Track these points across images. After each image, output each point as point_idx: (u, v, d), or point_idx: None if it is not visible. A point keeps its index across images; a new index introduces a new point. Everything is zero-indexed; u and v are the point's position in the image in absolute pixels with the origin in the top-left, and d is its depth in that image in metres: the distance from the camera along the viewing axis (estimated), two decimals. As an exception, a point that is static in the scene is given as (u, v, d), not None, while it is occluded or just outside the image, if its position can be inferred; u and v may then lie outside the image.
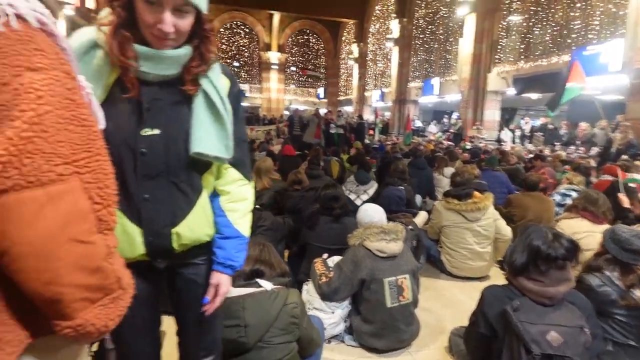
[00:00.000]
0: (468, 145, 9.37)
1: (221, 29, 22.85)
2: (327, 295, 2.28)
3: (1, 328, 0.65)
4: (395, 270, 2.27)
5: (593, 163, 6.02)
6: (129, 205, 1.00)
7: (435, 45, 15.17)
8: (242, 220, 1.15)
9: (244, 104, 22.47)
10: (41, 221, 0.61)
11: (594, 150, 7.77)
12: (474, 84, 11.64)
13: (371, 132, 13.44)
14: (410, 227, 3.13)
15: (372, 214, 2.53)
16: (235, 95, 1.14)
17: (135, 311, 1.03)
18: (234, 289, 1.63)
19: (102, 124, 0.89)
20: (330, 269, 2.38)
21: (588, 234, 2.62)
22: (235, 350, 1.57)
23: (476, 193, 3.44)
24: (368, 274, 2.23)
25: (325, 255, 2.59)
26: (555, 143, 9.42)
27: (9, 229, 0.60)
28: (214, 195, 1.14)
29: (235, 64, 23.55)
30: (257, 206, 3.08)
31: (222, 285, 1.15)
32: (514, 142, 10.92)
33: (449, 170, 5.43)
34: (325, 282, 2.29)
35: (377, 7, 19.69)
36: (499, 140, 10.65)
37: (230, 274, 1.16)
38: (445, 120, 15.41)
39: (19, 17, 0.63)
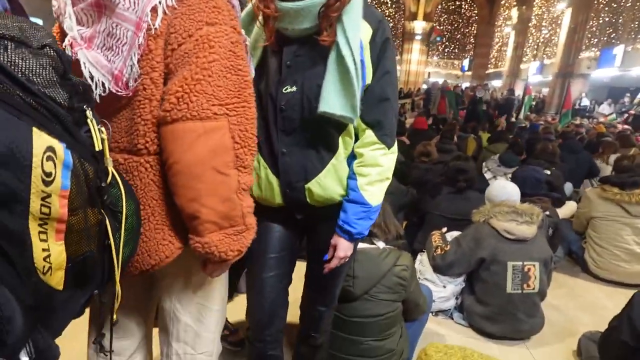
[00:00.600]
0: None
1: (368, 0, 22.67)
2: (440, 268, 2.22)
3: (170, 232, 0.87)
4: (522, 255, 2.06)
5: None
6: (271, 156, 1.07)
7: (628, 4, 12.14)
8: (370, 187, 1.07)
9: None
10: (195, 148, 0.77)
11: None
12: (678, 53, 9.05)
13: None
14: (547, 213, 2.75)
15: (511, 191, 2.30)
16: (380, 45, 1.01)
17: (269, 246, 1.19)
18: None
19: (252, 73, 1.04)
20: (448, 242, 2.30)
21: None
22: (343, 298, 1.69)
23: None
24: (490, 253, 2.08)
25: (444, 229, 2.51)
26: None
27: (175, 149, 0.78)
28: (353, 157, 1.09)
29: (378, 34, 23.23)
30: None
31: (339, 249, 1.11)
32: None
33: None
34: (440, 254, 2.23)
35: (550, -39, 16.70)
36: None
37: (347, 240, 1.11)
38: (625, 99, 12.48)
39: None
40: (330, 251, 1.14)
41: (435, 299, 2.22)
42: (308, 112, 1.01)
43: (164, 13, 0.76)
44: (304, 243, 1.29)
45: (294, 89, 1.03)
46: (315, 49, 0.99)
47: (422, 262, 2.40)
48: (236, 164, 0.82)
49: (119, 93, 0.78)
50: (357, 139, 1.09)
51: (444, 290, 2.26)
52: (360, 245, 1.71)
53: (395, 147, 1.11)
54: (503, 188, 2.30)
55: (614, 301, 2.54)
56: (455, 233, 2.39)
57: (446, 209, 2.65)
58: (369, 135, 1.06)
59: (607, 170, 4.44)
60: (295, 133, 1.05)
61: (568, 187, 4.41)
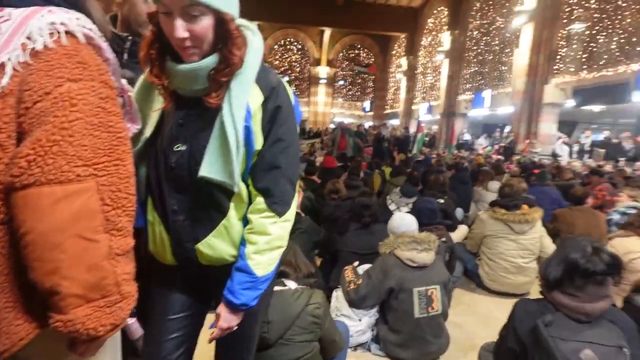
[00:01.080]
0: (522, 159, 8.93)
1: (275, 46, 23.82)
2: (354, 302, 2.28)
3: (24, 311, 0.74)
4: (425, 281, 2.23)
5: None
6: (164, 213, 1.04)
7: (490, 57, 14.69)
8: (257, 256, 1.01)
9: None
10: (54, 215, 0.68)
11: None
12: (528, 96, 11.09)
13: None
14: (443, 239, 3.05)
15: (409, 222, 2.49)
16: (272, 112, 1.00)
17: (168, 307, 1.10)
18: None
19: (139, 124, 0.99)
20: (360, 276, 2.39)
21: (645, 255, 2.42)
22: (258, 346, 1.63)
23: (525, 206, 3.30)
24: (397, 283, 2.21)
25: (356, 263, 2.60)
26: (620, 159, 8.66)
27: (26, 218, 0.68)
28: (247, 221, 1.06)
29: (286, 78, 24.45)
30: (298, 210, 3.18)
31: (222, 319, 1.03)
32: (570, 156, 10.19)
33: (494, 185, 5.21)
34: (353, 288, 2.30)
35: (429, 20, 19.53)
36: (554, 155, 10.00)
37: (231, 310, 1.03)
38: (496, 134, 14.78)
39: (69, 33, 0.74)
40: (216, 319, 1.06)
41: (353, 333, 2.26)
42: (195, 173, 0.98)
43: (15, 70, 0.70)
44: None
45: (184, 147, 1.01)
46: (207, 110, 0.98)
47: (338, 299, 2.44)
48: (107, 227, 0.74)
49: None
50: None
51: (360, 324, 2.31)
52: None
53: (289, 214, 1.06)
54: (402, 220, 2.49)
55: (504, 312, 2.81)
56: (367, 266, 2.50)
57: (355, 245, 2.77)
58: (259, 202, 1.03)
59: (487, 195, 5.13)
60: (186, 192, 1.02)
61: (459, 212, 4.96)
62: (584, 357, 1.39)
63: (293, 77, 24.61)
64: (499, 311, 2.93)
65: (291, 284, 1.74)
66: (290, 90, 1.09)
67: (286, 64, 24.40)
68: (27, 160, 0.68)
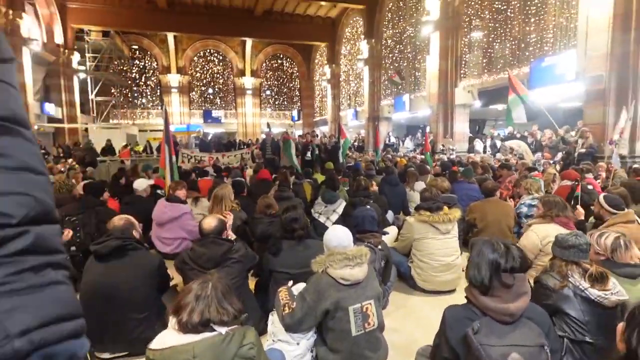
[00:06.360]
0: (435, 156, 9.54)
1: (195, 58, 22.98)
2: (291, 327, 2.18)
3: None
4: (359, 297, 2.19)
5: (558, 168, 6.20)
6: None
7: (404, 64, 15.64)
8: None
9: (219, 130, 22.37)
10: None
11: (559, 156, 8.03)
12: (442, 98, 11.99)
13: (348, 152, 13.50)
14: (379, 247, 3.08)
15: (342, 236, 2.36)
16: None
17: None
18: (183, 336, 1.53)
19: None
20: (295, 298, 2.29)
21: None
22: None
23: (445, 207, 3.47)
24: (332, 303, 2.13)
25: (290, 283, 2.51)
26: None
27: None
28: None
29: (210, 90, 23.71)
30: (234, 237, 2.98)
31: None
32: (484, 152, 11.20)
33: (420, 185, 5.47)
34: (289, 313, 2.20)
35: (347, 30, 20.25)
36: (470, 151, 10.90)
37: None
38: (419, 134, 15.74)
39: None
40: None
41: (292, 358, 2.16)
42: None
43: None
44: None
45: None
46: None
47: (274, 323, 2.32)
48: None
49: None
50: None
51: (298, 348, 2.22)
52: (197, 336, 1.53)
53: None
54: (335, 235, 2.38)
55: (438, 312, 2.93)
56: (302, 285, 2.41)
57: (289, 264, 2.67)
58: None
59: (414, 195, 5.36)
60: None
61: (390, 215, 5.11)
62: (511, 360, 1.44)
63: (217, 89, 23.94)
64: (434, 312, 3.02)
65: (221, 329, 1.59)
66: None
67: (208, 76, 23.67)
68: None
